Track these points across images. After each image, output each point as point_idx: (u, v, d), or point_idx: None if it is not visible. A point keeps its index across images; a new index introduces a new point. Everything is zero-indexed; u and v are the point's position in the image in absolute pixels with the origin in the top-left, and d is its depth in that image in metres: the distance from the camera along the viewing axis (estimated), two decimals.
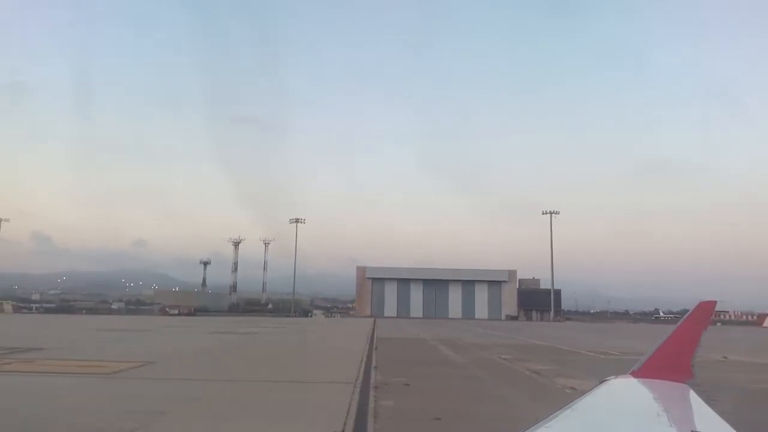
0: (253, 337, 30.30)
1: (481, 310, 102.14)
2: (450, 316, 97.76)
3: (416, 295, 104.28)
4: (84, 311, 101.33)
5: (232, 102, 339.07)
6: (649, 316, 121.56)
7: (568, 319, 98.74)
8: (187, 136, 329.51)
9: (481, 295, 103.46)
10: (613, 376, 3.52)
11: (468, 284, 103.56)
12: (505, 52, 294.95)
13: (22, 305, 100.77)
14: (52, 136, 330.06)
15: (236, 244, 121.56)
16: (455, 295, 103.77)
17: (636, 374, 3.54)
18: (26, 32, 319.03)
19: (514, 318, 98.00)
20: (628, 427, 2.58)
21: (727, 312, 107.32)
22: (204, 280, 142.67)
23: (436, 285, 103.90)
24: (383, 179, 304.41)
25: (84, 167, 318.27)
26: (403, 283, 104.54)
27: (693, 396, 3.16)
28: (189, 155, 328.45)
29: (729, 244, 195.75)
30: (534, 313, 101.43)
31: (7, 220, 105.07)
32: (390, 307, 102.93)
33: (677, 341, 3.70)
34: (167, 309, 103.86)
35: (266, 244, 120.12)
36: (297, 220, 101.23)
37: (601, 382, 3.37)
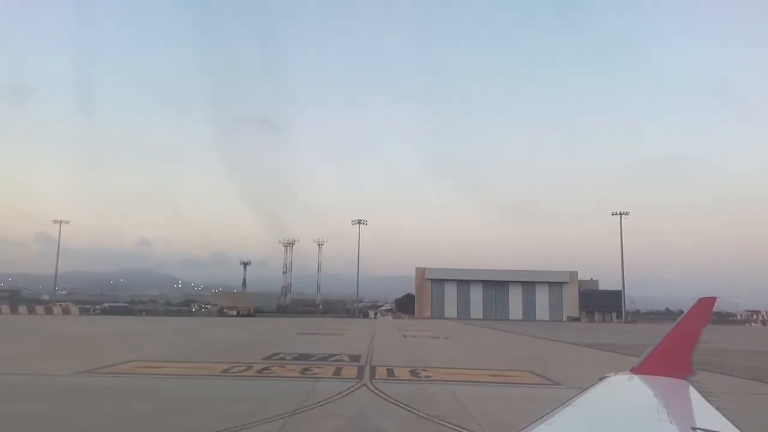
0: (464, 339, 30.34)
1: (542, 311, 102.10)
2: (510, 318, 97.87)
3: (476, 296, 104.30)
4: (144, 313, 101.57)
5: (237, 103, 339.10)
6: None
7: (633, 321, 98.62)
8: (192, 136, 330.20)
9: (542, 296, 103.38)
10: (613, 373, 3.53)
11: (528, 285, 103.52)
12: (517, 51, 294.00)
13: (87, 307, 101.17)
14: (58, 136, 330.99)
15: (290, 245, 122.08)
16: (515, 297, 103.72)
17: (636, 371, 3.55)
18: (29, 32, 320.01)
19: (576, 319, 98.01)
20: (629, 423, 2.60)
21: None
22: (244, 280, 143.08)
23: (495, 286, 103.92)
24: (397, 182, 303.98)
25: (89, 168, 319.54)
26: (463, 284, 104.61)
27: (693, 392, 3.16)
28: (193, 156, 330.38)
29: (735, 242, 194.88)
30: (596, 315, 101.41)
31: (67, 222, 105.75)
32: (450, 309, 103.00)
33: (677, 338, 3.69)
34: (225, 310, 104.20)
35: (320, 245, 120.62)
36: (359, 222, 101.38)
37: (601, 378, 3.39)
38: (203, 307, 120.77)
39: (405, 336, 32.98)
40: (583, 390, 3.02)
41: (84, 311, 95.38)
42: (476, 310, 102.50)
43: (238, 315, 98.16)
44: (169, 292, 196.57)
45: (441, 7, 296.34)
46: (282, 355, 18.87)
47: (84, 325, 44.03)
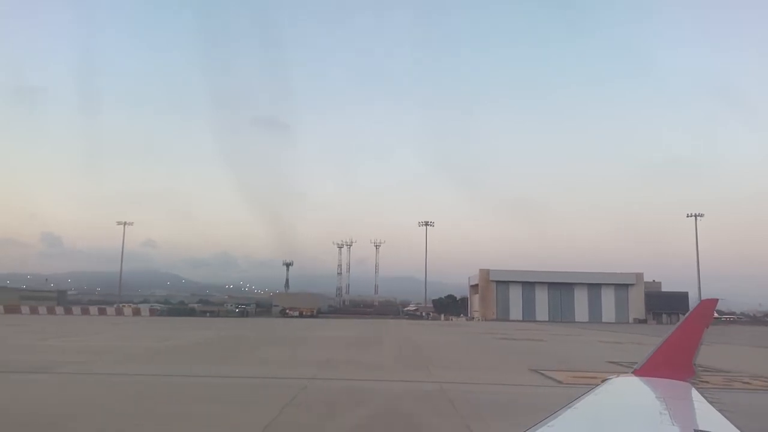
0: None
1: (608, 313, 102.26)
2: (576, 320, 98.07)
3: (541, 297, 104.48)
4: (208, 314, 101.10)
5: (244, 106, 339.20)
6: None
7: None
8: (197, 139, 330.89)
9: (608, 298, 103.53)
10: (615, 375, 3.57)
11: (594, 287, 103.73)
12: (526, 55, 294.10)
13: (157, 308, 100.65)
14: (64, 138, 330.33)
15: (346, 246, 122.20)
16: (581, 298, 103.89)
17: (638, 373, 3.57)
18: (38, 36, 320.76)
19: (643, 321, 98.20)
20: (631, 425, 2.62)
21: None
22: (287, 281, 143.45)
23: (561, 288, 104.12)
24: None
25: (93, 169, 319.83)
26: (528, 285, 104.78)
27: (695, 394, 3.18)
28: (197, 158, 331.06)
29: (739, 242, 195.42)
30: (664, 316, 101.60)
31: (130, 224, 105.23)
32: (515, 310, 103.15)
33: (679, 340, 3.70)
34: (287, 311, 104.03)
35: (377, 246, 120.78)
36: (426, 223, 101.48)
37: (604, 380, 3.41)
38: (238, 307, 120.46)
39: (619, 342, 33.10)
40: (585, 392, 3.05)
41: (153, 312, 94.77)
42: (542, 311, 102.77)
43: (301, 316, 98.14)
44: (177, 291, 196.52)
45: (449, 13, 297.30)
46: (621, 363, 18.92)
47: (239, 326, 43.89)
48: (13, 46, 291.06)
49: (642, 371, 3.61)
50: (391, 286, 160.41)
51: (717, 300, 4.02)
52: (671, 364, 3.60)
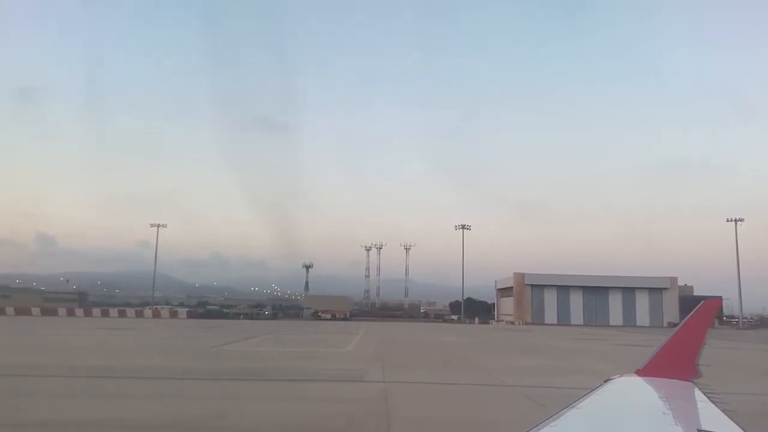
0: None
1: (642, 317, 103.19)
2: (611, 324, 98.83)
3: (576, 302, 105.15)
4: (242, 317, 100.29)
5: (242, 106, 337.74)
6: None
7: (753, 326, 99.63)
8: (197, 140, 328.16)
9: (642, 302, 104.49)
10: (618, 375, 3.60)
11: (628, 291, 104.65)
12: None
13: (191, 311, 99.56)
14: (60, 138, 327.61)
15: (376, 248, 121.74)
16: (615, 303, 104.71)
17: (641, 373, 3.61)
18: (36, 34, 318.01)
19: (676, 325, 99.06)
20: (634, 425, 2.63)
21: None
22: (306, 283, 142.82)
23: (595, 292, 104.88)
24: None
25: (89, 169, 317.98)
26: (562, 289, 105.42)
27: (698, 394, 3.22)
28: (197, 158, 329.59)
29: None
30: None
31: (164, 226, 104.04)
32: (550, 314, 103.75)
33: (682, 340, 3.76)
34: (320, 314, 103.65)
35: (407, 249, 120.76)
36: (463, 227, 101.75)
37: (606, 380, 3.45)
38: (251, 310, 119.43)
39: (739, 348, 33.31)
40: (588, 392, 3.10)
41: (191, 314, 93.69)
42: (576, 315, 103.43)
43: (333, 318, 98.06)
44: (173, 293, 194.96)
45: (452, 15, 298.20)
46: None
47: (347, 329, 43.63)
48: (11, 46, 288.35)
49: (645, 371, 3.58)
50: (391, 288, 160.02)
51: (721, 300, 4.08)
52: (674, 364, 3.60)
